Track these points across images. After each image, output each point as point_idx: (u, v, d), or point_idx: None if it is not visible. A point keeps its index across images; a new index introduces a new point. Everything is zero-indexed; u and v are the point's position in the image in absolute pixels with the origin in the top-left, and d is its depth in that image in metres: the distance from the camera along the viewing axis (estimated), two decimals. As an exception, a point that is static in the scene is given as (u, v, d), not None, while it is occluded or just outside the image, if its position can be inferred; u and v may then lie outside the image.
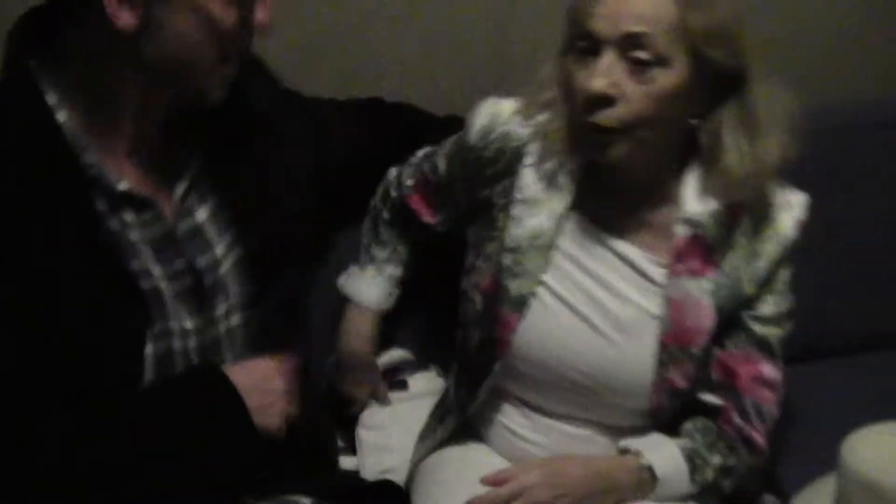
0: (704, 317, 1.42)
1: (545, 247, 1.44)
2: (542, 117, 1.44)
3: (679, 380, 1.43)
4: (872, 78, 2.15)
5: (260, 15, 1.27)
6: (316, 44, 1.81)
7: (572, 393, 1.46)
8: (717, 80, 1.36)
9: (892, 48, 2.15)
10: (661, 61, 1.32)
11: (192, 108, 1.31)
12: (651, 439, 1.45)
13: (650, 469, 1.42)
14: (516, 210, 1.45)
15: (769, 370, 1.46)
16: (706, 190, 1.41)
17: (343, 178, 1.59)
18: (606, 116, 1.33)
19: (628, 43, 1.31)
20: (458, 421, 1.54)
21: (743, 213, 1.43)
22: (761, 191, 1.42)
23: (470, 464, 1.51)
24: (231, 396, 1.30)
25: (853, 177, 1.96)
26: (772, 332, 1.45)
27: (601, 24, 1.32)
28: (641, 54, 1.31)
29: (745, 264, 1.43)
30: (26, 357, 1.21)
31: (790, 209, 1.45)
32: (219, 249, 1.37)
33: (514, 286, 1.44)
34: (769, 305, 1.45)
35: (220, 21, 1.22)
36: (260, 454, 1.32)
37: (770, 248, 1.44)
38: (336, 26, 1.82)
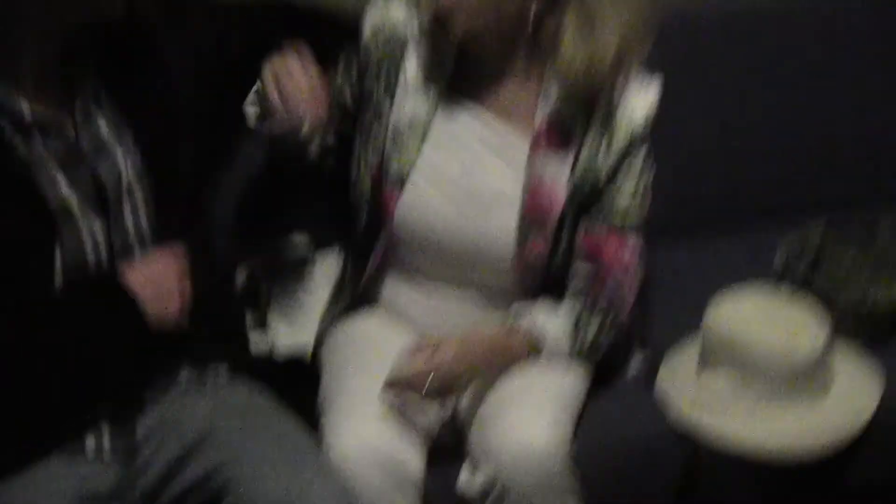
0: (558, 193, 1.57)
1: (422, 128, 1.58)
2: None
3: (539, 246, 1.59)
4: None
5: None
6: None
7: (447, 259, 1.62)
8: None
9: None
10: None
11: (94, 21, 1.37)
12: (540, 307, 1.60)
13: (541, 334, 1.58)
14: (398, 96, 1.59)
15: (632, 241, 1.61)
16: (552, 79, 1.55)
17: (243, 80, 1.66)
18: None
19: None
20: (355, 292, 1.69)
21: (597, 98, 1.56)
22: (604, 79, 1.54)
23: (371, 335, 1.66)
24: (125, 294, 1.40)
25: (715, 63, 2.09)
26: (633, 208, 1.60)
27: None
28: None
29: (600, 145, 1.57)
30: None
31: (641, 95, 1.59)
32: (120, 157, 1.44)
33: (395, 165, 1.59)
34: (628, 183, 1.59)
35: None
36: (166, 339, 1.43)
37: (623, 131, 1.57)
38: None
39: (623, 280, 1.61)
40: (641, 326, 1.76)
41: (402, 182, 1.59)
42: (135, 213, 1.45)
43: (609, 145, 1.57)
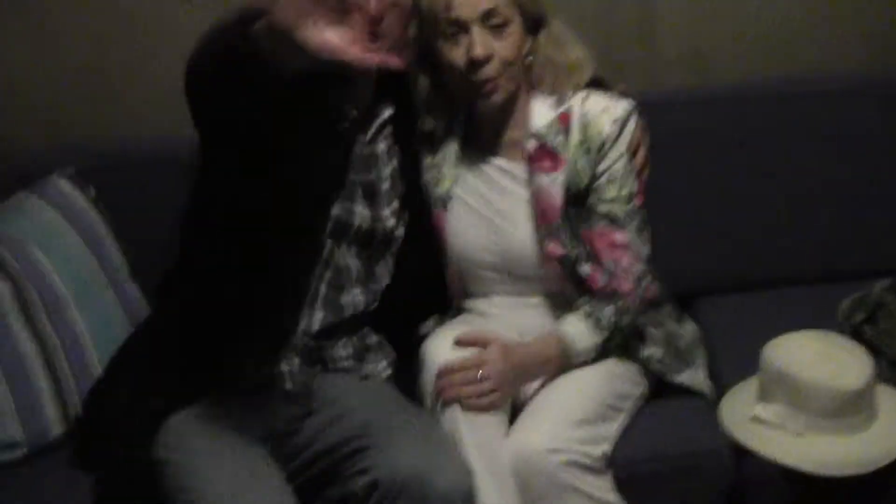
0: (556, 198, 1.91)
1: (452, 166, 1.97)
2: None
3: (557, 248, 1.92)
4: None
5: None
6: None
7: (493, 273, 1.98)
8: (531, 25, 1.90)
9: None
10: (507, 21, 1.84)
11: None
12: (562, 319, 1.92)
13: (567, 334, 1.88)
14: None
15: (619, 237, 1.92)
16: (545, 103, 1.92)
17: None
18: (490, 70, 1.84)
19: (486, 16, 1.82)
20: (453, 312, 2.06)
21: (572, 120, 1.91)
22: (580, 88, 1.92)
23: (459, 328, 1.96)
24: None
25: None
26: (617, 208, 1.92)
27: (464, 11, 1.82)
28: (496, 20, 1.83)
29: (580, 157, 1.90)
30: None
31: (610, 113, 1.91)
32: (386, 170, 1.93)
33: (437, 190, 1.97)
34: (611, 189, 1.91)
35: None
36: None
37: (596, 140, 1.90)
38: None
39: (617, 268, 1.91)
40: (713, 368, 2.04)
41: (444, 203, 1.96)
42: (387, 215, 1.93)
43: (588, 155, 1.90)
